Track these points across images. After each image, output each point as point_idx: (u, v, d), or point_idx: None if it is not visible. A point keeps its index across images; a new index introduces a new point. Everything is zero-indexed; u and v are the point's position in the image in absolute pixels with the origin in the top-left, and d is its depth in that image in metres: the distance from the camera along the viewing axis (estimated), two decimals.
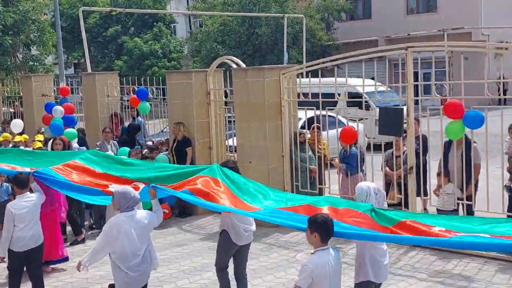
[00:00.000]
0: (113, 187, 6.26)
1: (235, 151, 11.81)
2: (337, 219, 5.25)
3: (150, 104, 14.39)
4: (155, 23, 37.25)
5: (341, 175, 10.27)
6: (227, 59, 13.42)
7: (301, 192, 10.53)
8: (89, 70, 16.86)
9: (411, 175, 9.35)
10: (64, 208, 9.20)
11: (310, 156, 10.85)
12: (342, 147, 10.25)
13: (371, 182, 6.45)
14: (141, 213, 6.12)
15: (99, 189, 6.79)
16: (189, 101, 12.21)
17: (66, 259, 8.86)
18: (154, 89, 13.66)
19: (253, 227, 7.00)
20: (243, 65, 12.54)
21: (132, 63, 35.03)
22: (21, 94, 16.61)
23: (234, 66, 12.59)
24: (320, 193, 10.42)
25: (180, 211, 11.77)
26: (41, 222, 7.76)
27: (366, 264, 5.66)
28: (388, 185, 9.94)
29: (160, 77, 14.22)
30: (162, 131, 15.69)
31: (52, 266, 8.77)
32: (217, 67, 12.49)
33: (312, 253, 5.15)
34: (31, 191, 7.48)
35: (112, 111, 14.28)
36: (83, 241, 10.20)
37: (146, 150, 12.12)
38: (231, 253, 7.00)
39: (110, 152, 11.22)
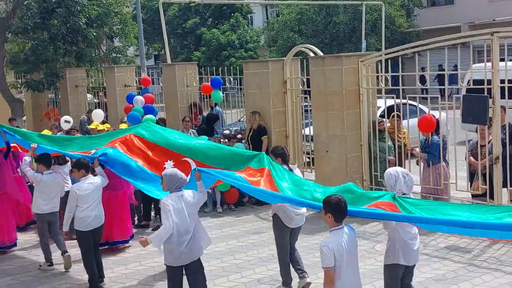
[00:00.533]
0: (164, 171, 6.58)
1: (312, 140, 11.73)
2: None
3: (227, 94, 14.56)
4: (232, 14, 37.55)
5: (422, 165, 9.99)
6: (304, 47, 13.33)
7: (379, 182, 10.36)
8: (169, 61, 17.18)
9: (497, 165, 8.97)
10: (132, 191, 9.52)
11: (389, 146, 10.63)
12: (424, 137, 9.96)
13: (399, 167, 6.53)
14: (188, 193, 6.47)
15: (157, 174, 7.15)
16: (265, 91, 12.24)
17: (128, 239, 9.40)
18: (231, 78, 13.78)
19: (303, 210, 7.20)
20: (321, 53, 12.42)
21: (210, 54, 35.48)
22: (105, 84, 17.17)
23: (312, 54, 12.49)
24: None
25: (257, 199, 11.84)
26: (112, 204, 8.72)
27: (395, 247, 5.79)
28: (472, 175, 9.59)
29: (238, 67, 14.32)
30: (239, 121, 15.81)
31: (121, 245, 9.31)
32: (294, 56, 12.44)
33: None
34: (94, 174, 8.02)
35: (191, 101, 14.52)
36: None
37: (224, 139, 12.26)
38: (286, 235, 7.24)
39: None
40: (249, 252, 8.96)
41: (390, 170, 6.09)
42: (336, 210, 5.11)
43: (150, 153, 7.73)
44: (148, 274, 8.24)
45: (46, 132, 11.23)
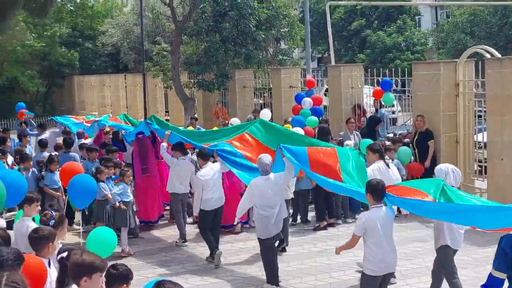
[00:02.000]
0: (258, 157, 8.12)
1: (485, 147, 11.03)
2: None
3: (394, 96, 14.19)
4: (399, 16, 36.65)
5: None
6: (480, 48, 12.60)
7: None
8: (333, 63, 17.19)
9: None
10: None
11: None
12: None
13: (450, 164, 7.19)
14: (275, 176, 7.88)
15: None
16: (435, 93, 11.74)
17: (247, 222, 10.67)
18: (398, 80, 13.41)
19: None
20: (498, 55, 11.64)
21: (375, 57, 34.95)
22: (271, 85, 17.58)
23: (488, 56, 11.75)
24: None
25: None
26: (227, 190, 9.80)
27: (444, 232, 6.61)
28: None
29: (405, 69, 13.92)
30: (404, 124, 15.35)
31: (227, 230, 10.36)
32: (467, 58, 11.80)
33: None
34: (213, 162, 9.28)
35: (356, 102, 14.37)
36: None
37: (388, 141, 11.95)
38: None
39: (352, 142, 11.29)
40: (414, 260, 8.68)
41: (441, 166, 7.09)
42: (374, 191, 6.19)
43: (256, 149, 8.86)
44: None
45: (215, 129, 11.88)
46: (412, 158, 11.59)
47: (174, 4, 19.59)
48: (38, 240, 4.99)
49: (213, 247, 8.94)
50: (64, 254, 4.49)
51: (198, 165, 10.00)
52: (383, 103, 13.98)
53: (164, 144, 10.07)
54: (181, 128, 11.35)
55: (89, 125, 13.67)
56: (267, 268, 7.92)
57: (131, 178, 10.34)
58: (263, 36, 18.68)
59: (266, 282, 7.94)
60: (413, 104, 12.52)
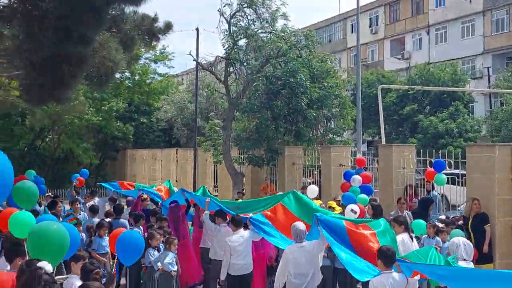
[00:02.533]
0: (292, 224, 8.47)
1: None
2: None
3: (448, 179, 13.89)
4: (452, 102, 36.49)
5: None
6: None
7: None
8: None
9: None
10: (273, 255, 10.45)
11: None
12: None
13: (462, 237, 8.04)
14: (309, 244, 8.05)
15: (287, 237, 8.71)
16: (490, 176, 11.46)
17: None
18: (452, 162, 13.18)
19: None
20: None
21: (426, 142, 34.59)
22: (320, 163, 17.53)
23: None
24: None
25: None
26: (254, 261, 9.77)
27: None
28: None
29: (458, 154, 13.71)
30: (457, 208, 14.93)
31: None
32: None
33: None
34: (245, 228, 9.58)
35: (407, 183, 14.14)
36: None
37: (439, 224, 11.59)
38: None
39: None
40: None
41: (454, 239, 7.78)
42: (384, 256, 6.65)
43: (288, 221, 9.05)
44: None
45: None
46: None
47: (229, 82, 20.11)
48: None
49: None
50: None
51: None
52: (435, 184, 13.69)
53: (207, 212, 10.52)
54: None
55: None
56: None
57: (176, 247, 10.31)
58: (314, 114, 18.85)
59: None
60: (467, 186, 12.23)
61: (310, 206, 9.37)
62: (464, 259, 7.24)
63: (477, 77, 41.33)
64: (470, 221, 11.38)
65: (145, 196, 13.44)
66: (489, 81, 40.50)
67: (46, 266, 4.50)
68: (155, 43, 17.48)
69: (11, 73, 15.04)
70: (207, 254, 11.02)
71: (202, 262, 11.31)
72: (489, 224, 11.17)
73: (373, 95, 36.21)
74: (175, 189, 13.21)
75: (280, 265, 8.36)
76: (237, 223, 9.62)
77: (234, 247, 9.32)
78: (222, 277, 9.49)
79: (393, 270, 6.71)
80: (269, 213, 9.42)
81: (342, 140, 21.78)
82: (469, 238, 11.12)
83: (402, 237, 8.48)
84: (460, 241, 7.59)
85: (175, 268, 9.80)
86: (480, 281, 5.96)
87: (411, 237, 8.77)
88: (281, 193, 11.55)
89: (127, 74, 35.38)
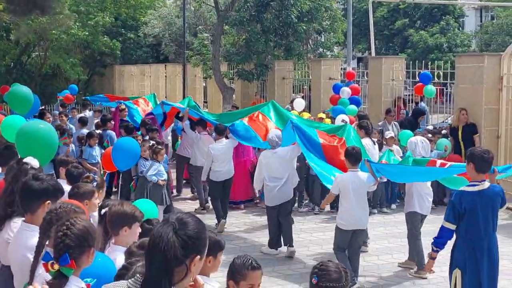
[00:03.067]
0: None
1: None
2: None
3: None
4: (443, 17, 36.11)
5: None
6: None
7: None
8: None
9: None
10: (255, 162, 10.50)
11: None
12: None
13: (420, 136, 8.82)
14: (282, 150, 8.54)
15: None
16: (478, 86, 11.55)
17: (252, 199, 11.38)
18: (440, 73, 13.23)
19: None
20: None
21: (416, 57, 34.39)
22: (310, 77, 17.50)
23: None
24: None
25: None
26: (235, 168, 10.35)
27: (414, 199, 7.63)
28: None
29: (447, 67, 13.72)
30: (444, 122, 15.16)
31: (243, 204, 11.30)
32: None
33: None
34: (226, 138, 10.18)
35: (396, 95, 14.23)
36: None
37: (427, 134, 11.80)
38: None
39: (392, 133, 11.24)
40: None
41: (411, 138, 8.33)
42: (348, 156, 7.20)
43: (266, 127, 9.58)
44: None
45: None
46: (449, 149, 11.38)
47: None
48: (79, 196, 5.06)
49: (220, 216, 9.84)
50: (107, 209, 4.54)
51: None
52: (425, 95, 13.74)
53: (187, 122, 11.16)
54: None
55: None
56: (269, 233, 8.67)
57: (164, 156, 10.39)
58: (304, 27, 18.61)
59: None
60: (455, 96, 12.35)
61: (287, 115, 9.88)
62: (423, 156, 7.80)
63: None
64: (460, 132, 11.52)
65: (123, 106, 13.38)
66: None
67: (32, 161, 4.58)
68: None
69: None
70: (185, 162, 12.00)
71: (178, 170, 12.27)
72: (477, 134, 11.35)
73: (363, 10, 35.69)
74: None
75: (256, 170, 8.95)
76: (220, 131, 10.18)
77: (217, 156, 9.91)
78: (203, 178, 10.22)
79: (359, 169, 7.22)
80: (247, 119, 9.92)
81: (333, 55, 21.66)
82: (459, 148, 11.35)
83: (365, 142, 9.17)
84: (418, 140, 8.08)
85: (163, 177, 9.77)
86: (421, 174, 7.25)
87: (373, 142, 9.89)
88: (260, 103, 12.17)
89: None
